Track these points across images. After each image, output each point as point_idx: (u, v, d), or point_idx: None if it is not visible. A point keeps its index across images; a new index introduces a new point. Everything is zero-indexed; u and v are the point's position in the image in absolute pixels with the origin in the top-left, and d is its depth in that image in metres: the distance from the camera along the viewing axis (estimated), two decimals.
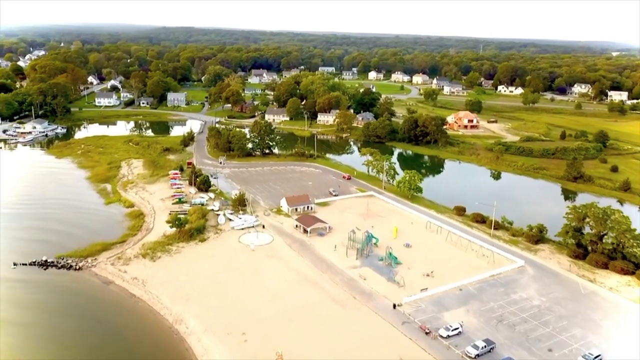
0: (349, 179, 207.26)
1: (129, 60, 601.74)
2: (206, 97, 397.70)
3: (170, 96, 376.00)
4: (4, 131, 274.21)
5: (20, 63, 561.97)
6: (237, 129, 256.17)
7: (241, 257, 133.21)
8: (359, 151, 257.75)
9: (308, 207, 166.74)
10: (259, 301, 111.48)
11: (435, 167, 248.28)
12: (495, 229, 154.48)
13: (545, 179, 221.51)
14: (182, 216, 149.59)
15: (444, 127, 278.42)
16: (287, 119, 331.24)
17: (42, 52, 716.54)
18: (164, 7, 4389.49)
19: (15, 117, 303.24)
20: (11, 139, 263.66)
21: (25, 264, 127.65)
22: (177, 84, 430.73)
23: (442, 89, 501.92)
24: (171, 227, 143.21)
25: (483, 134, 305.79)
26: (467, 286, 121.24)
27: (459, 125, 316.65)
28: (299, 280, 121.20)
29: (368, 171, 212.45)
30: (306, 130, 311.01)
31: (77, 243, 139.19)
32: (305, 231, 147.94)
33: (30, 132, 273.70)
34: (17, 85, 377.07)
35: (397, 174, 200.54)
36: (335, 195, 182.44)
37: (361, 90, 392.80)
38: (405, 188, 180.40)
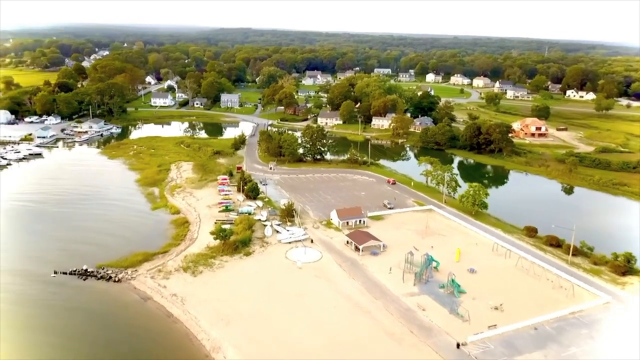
0: (393, 183, 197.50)
1: (186, 61, 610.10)
2: (259, 99, 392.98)
3: (224, 97, 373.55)
4: (62, 130, 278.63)
5: (85, 63, 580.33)
6: (289, 133, 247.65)
7: (287, 275, 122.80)
8: (416, 158, 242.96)
9: (360, 220, 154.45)
10: (304, 331, 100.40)
11: (500, 178, 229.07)
12: (573, 254, 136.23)
13: (626, 196, 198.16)
14: (228, 227, 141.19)
15: (510, 134, 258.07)
16: (340, 122, 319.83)
17: (106, 52, 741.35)
18: (223, 9, 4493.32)
19: (74, 116, 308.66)
20: (68, 138, 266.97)
21: (66, 273, 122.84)
22: (232, 85, 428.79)
23: (505, 92, 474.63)
24: (215, 238, 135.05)
25: (552, 143, 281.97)
26: (543, 324, 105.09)
27: (526, 133, 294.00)
28: (349, 308, 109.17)
29: (427, 182, 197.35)
30: (360, 134, 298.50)
31: (120, 251, 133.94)
32: (357, 249, 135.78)
33: (86, 132, 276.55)
34: (79, 85, 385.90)
35: (459, 187, 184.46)
36: (390, 208, 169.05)
37: (419, 93, 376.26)
38: (469, 203, 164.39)
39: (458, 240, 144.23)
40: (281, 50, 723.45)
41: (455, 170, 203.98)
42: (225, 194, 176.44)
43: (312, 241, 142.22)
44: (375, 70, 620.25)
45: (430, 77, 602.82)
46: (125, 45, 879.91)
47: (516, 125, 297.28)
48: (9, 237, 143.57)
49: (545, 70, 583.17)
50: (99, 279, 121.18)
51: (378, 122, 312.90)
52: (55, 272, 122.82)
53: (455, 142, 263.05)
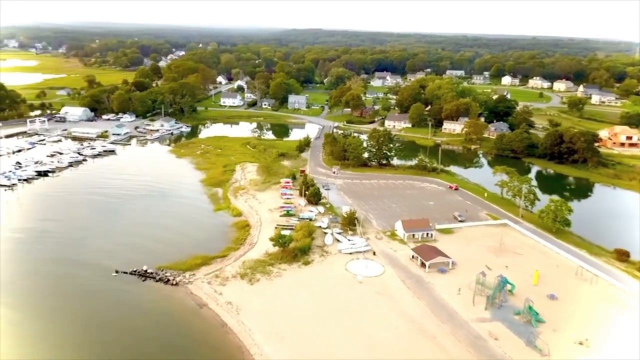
0: (456, 189, 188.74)
1: (257, 61, 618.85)
2: (327, 100, 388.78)
3: (292, 98, 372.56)
4: (136, 128, 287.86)
5: (162, 63, 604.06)
6: (354, 136, 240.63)
7: (347, 290, 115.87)
8: (490, 166, 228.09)
9: (427, 233, 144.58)
10: (362, 353, 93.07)
11: (584, 192, 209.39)
12: None
13: None
14: (287, 233, 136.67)
15: (596, 144, 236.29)
16: (409, 125, 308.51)
17: (182, 53, 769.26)
18: (294, 10, 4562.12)
19: (147, 115, 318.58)
20: (141, 136, 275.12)
21: (126, 273, 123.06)
22: (300, 86, 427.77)
23: (590, 97, 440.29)
24: (274, 245, 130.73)
25: None
26: None
27: (614, 143, 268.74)
28: (412, 331, 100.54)
29: (502, 193, 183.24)
30: (429, 139, 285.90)
31: (180, 251, 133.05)
32: (422, 265, 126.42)
33: (158, 130, 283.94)
34: (154, 85, 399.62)
35: (538, 200, 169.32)
36: (461, 221, 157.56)
37: (494, 96, 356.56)
38: (549, 219, 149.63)
39: (536, 261, 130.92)
40: (350, 51, 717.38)
41: (534, 182, 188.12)
42: (287, 198, 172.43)
43: (374, 253, 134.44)
44: (448, 72, 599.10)
45: (506, 79, 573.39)
46: (200, 45, 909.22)
47: (603, 134, 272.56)
48: (78, 231, 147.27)
49: (636, 74, 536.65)
50: (157, 280, 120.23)
51: (449, 127, 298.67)
52: (117, 271, 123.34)
53: (534, 150, 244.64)
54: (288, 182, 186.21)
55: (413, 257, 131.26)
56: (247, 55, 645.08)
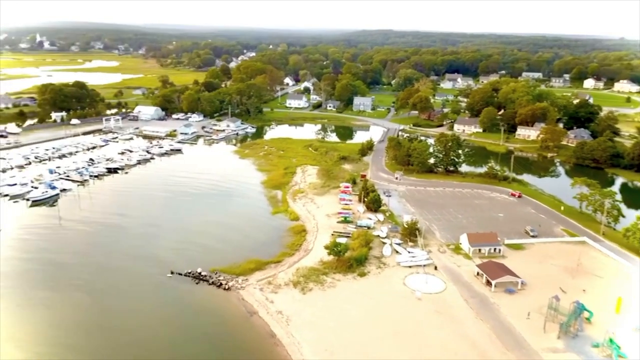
0: (519, 196, 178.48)
1: (324, 63, 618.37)
2: (393, 102, 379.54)
3: (357, 100, 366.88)
4: (203, 127, 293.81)
5: (232, 64, 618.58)
6: (421, 140, 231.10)
7: (403, 306, 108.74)
8: (568, 176, 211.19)
9: (495, 249, 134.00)
10: None
11: None
12: None
13: None
14: (343, 242, 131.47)
15: None
16: (480, 130, 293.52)
17: (252, 54, 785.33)
18: (364, 11, 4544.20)
19: (215, 115, 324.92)
20: (207, 136, 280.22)
21: (181, 274, 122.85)
22: (366, 87, 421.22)
23: None
24: (329, 254, 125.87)
25: None
26: None
27: None
28: (473, 357, 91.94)
29: (580, 207, 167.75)
30: (501, 145, 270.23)
31: (236, 255, 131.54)
32: (488, 283, 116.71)
33: (224, 130, 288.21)
34: (223, 85, 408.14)
35: (623, 216, 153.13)
36: (533, 236, 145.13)
37: (575, 101, 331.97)
38: (636, 239, 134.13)
39: (619, 286, 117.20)
40: (420, 52, 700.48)
41: (618, 196, 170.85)
42: (346, 204, 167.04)
43: (435, 268, 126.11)
44: (524, 74, 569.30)
45: (588, 82, 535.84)
46: (271, 47, 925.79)
47: None
48: (141, 227, 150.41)
49: None
50: (210, 284, 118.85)
51: (524, 132, 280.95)
52: (172, 272, 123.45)
53: (619, 161, 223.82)
54: (347, 187, 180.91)
55: (478, 274, 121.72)
56: (315, 57, 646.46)
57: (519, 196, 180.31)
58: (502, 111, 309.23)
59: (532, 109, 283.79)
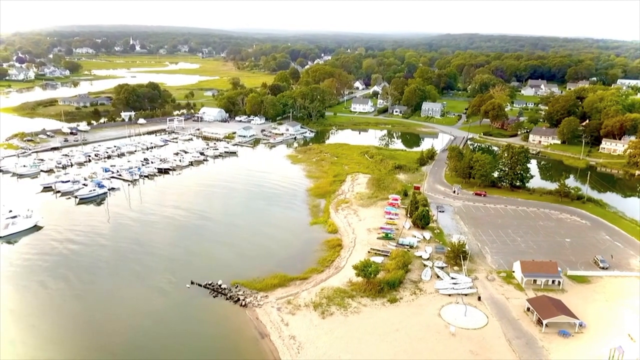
0: (484, 195, 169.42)
1: (399, 67, 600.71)
2: (465, 109, 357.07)
3: (425, 105, 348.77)
4: (262, 131, 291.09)
5: (307, 67, 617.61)
6: (490, 150, 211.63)
7: (433, 342, 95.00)
8: None
9: (554, 281, 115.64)
10: None
11: None
12: None
13: None
14: (378, 261, 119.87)
15: None
16: (558, 142, 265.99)
17: (328, 57, 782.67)
18: (450, 13, 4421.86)
19: (277, 118, 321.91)
20: (265, 139, 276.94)
21: (201, 285, 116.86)
22: (437, 93, 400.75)
23: None
24: (357, 275, 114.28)
25: None
26: None
27: None
28: None
29: None
30: (581, 159, 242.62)
31: (261, 268, 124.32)
32: (539, 322, 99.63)
33: (282, 134, 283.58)
34: (291, 88, 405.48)
35: None
36: (603, 268, 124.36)
37: None
38: None
39: None
40: (503, 56, 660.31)
41: None
42: (390, 218, 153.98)
43: (479, 298, 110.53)
44: (619, 81, 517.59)
45: None
46: (348, 50, 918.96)
47: None
48: (172, 230, 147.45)
49: None
50: (227, 298, 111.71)
51: (609, 146, 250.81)
52: (192, 282, 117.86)
53: None
54: (396, 200, 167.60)
55: (528, 309, 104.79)
56: (390, 60, 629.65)
57: (484, 195, 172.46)
58: (587, 122, 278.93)
59: (621, 120, 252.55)
